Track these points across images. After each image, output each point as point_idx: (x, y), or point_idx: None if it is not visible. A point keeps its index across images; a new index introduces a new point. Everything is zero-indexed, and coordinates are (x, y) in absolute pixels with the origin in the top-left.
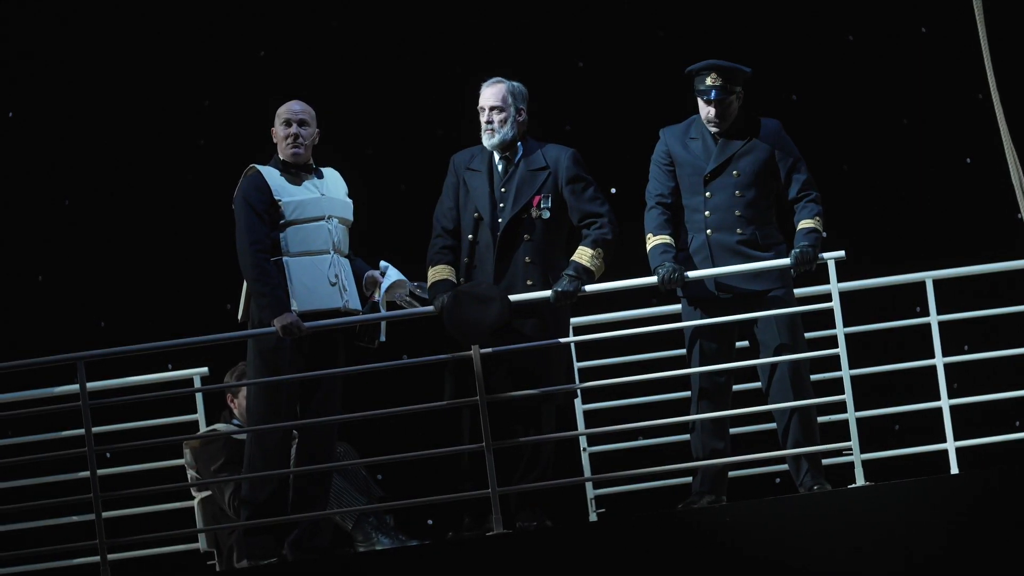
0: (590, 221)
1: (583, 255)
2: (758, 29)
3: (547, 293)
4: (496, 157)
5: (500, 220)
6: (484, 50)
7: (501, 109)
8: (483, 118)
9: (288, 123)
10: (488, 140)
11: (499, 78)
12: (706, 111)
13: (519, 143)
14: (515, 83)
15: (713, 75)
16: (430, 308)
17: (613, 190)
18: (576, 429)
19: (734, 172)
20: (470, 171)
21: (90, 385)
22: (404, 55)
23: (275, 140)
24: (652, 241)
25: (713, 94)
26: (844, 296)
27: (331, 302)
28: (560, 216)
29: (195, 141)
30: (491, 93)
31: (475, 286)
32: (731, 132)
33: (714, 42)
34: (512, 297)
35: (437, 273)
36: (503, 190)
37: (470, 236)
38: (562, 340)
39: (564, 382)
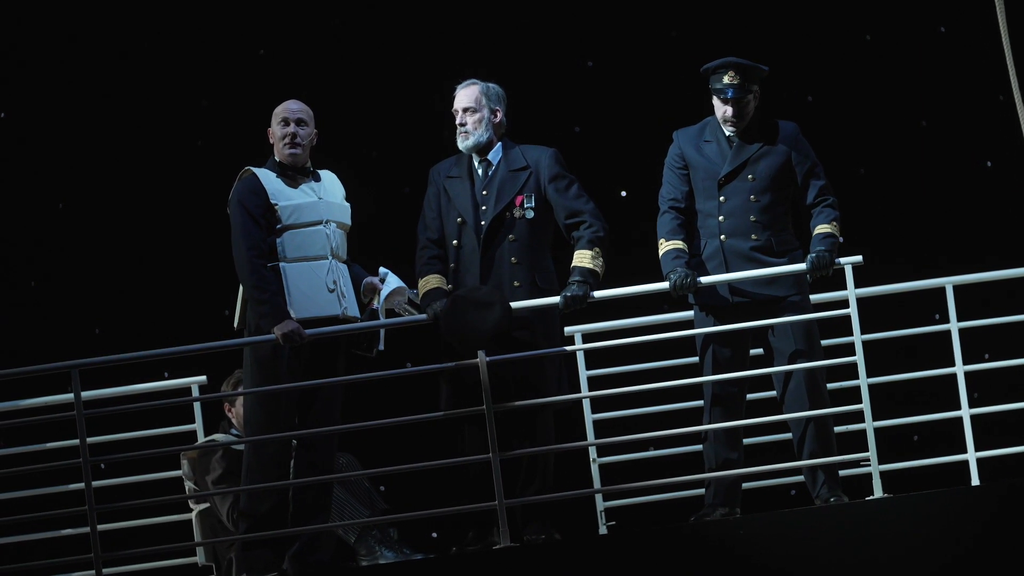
0: (577, 220)
1: (584, 258)
2: (773, 28)
3: (551, 300)
4: (475, 161)
5: (483, 222)
6: (491, 50)
7: (475, 111)
8: (457, 120)
9: (286, 122)
10: (462, 143)
11: (473, 80)
12: (723, 110)
13: (499, 144)
14: (491, 84)
15: (731, 73)
16: (425, 316)
17: (624, 193)
18: (585, 439)
19: (749, 176)
20: (450, 178)
21: (85, 394)
22: (409, 55)
23: (271, 141)
24: (664, 246)
25: (730, 93)
26: (862, 302)
27: (329, 309)
28: (544, 216)
29: (193, 142)
30: (464, 95)
31: (473, 290)
32: (746, 135)
33: (728, 42)
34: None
35: (427, 283)
36: (484, 192)
37: (455, 242)
38: (569, 348)
39: (556, 391)
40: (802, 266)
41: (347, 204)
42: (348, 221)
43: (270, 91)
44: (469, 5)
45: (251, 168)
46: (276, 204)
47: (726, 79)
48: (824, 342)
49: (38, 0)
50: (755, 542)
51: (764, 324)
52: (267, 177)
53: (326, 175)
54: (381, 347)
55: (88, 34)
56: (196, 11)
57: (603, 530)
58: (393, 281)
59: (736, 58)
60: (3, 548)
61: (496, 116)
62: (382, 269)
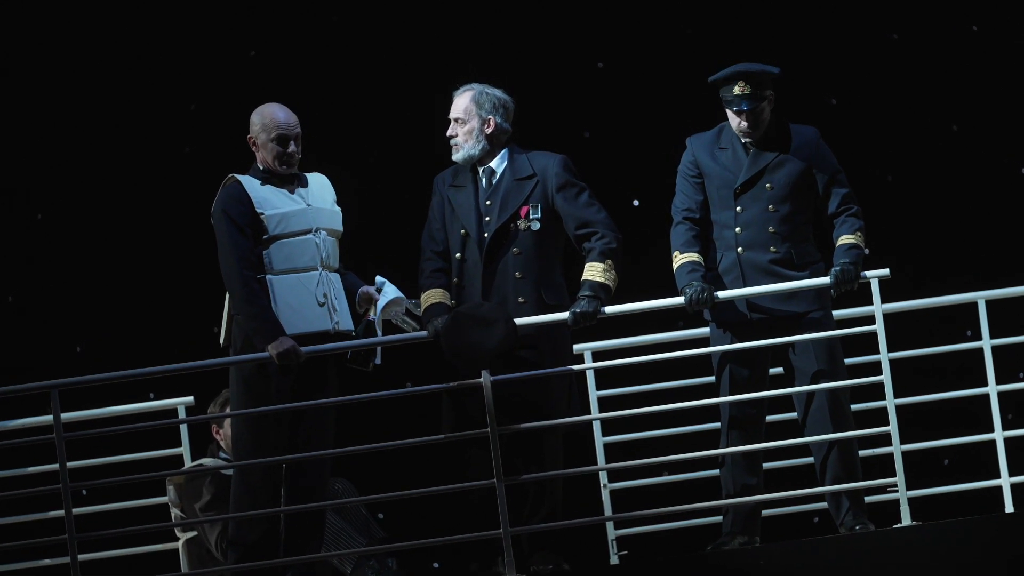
0: (589, 231)
1: (595, 271)
2: (794, 26)
3: (559, 316)
4: (480, 170)
5: (486, 234)
6: (494, 50)
7: (464, 121)
8: (448, 132)
9: (284, 140)
10: (454, 155)
11: (470, 85)
12: (737, 123)
13: (505, 150)
14: (489, 89)
15: (741, 83)
16: (425, 333)
17: (636, 203)
18: (595, 463)
19: (767, 185)
20: (454, 187)
21: (65, 416)
22: (410, 54)
23: (255, 148)
24: (679, 259)
25: (744, 105)
26: (888, 318)
27: (319, 324)
28: (552, 227)
29: (180, 149)
30: (455, 104)
31: (476, 307)
32: (764, 141)
33: (745, 40)
34: (517, 320)
35: (430, 297)
36: (488, 202)
37: (458, 255)
38: (578, 367)
39: (565, 412)
40: (825, 280)
41: (338, 209)
42: (339, 227)
43: (262, 94)
44: (472, 2)
45: (235, 175)
46: (262, 213)
47: (736, 90)
48: (848, 360)
49: (16, 1)
50: (775, 573)
51: (784, 341)
52: (251, 185)
53: (314, 178)
54: (378, 361)
55: (69, 35)
56: (183, 9)
57: (614, 560)
58: (391, 291)
59: (744, 66)
60: None
61: (489, 125)
62: (379, 278)
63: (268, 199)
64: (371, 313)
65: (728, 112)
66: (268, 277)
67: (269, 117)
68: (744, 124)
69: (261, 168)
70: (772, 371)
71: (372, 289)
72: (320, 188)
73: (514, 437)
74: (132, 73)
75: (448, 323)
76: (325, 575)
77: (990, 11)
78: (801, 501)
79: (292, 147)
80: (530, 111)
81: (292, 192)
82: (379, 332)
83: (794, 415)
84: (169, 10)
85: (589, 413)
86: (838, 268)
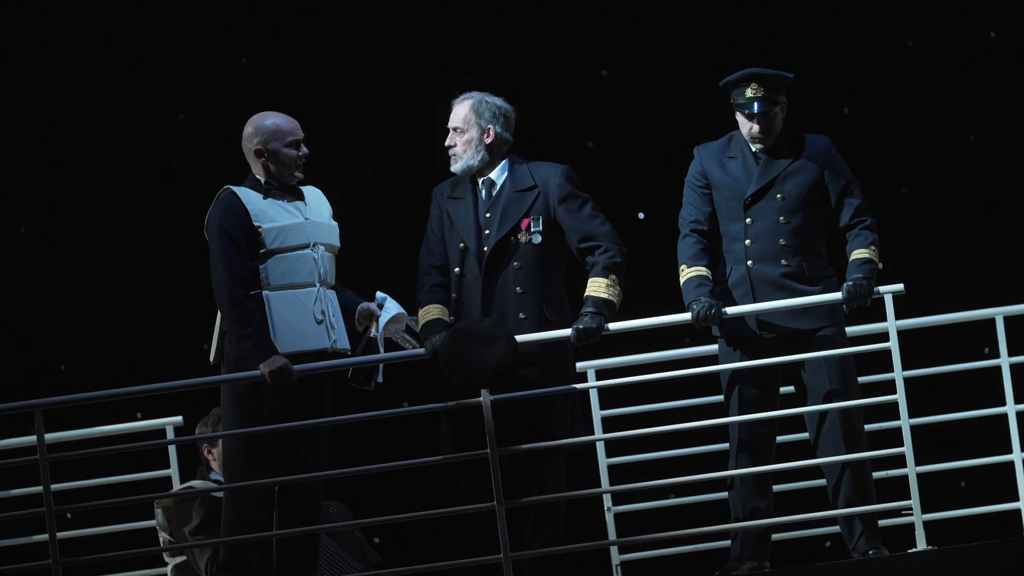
0: (592, 245)
1: (598, 287)
2: (805, 33)
3: (562, 333)
4: (479, 181)
5: (486, 248)
6: (494, 57)
7: (463, 131)
8: (446, 142)
9: (297, 144)
10: (452, 166)
11: (468, 94)
12: (748, 127)
13: (505, 161)
14: (489, 98)
15: (754, 85)
16: (423, 350)
17: (641, 215)
18: (599, 486)
19: (778, 196)
20: (452, 199)
21: (49, 436)
22: (408, 62)
23: (261, 158)
24: (686, 273)
25: (756, 107)
26: (903, 335)
27: (317, 342)
28: (554, 241)
29: (169, 160)
30: (453, 113)
31: (476, 323)
32: (775, 150)
33: (755, 47)
34: (518, 337)
35: (428, 313)
36: (488, 215)
37: (457, 269)
38: (582, 386)
39: (568, 433)
40: (837, 295)
41: (335, 223)
42: (336, 242)
43: (254, 103)
44: (471, 7)
45: (230, 187)
46: (260, 227)
47: (749, 92)
48: (862, 379)
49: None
50: None
51: (796, 359)
52: (248, 197)
53: (310, 192)
54: (380, 379)
55: (54, 44)
56: (172, 15)
57: None
58: (392, 307)
59: (758, 68)
60: None
61: (489, 135)
62: (379, 294)
63: (266, 212)
64: (372, 330)
65: (739, 117)
66: (264, 293)
67: (277, 125)
68: (756, 128)
69: (262, 180)
70: (783, 390)
71: (373, 305)
72: (317, 202)
73: (515, 458)
74: (119, 82)
75: (447, 340)
76: None
77: (1008, 17)
78: (813, 525)
79: (304, 149)
80: (532, 120)
81: (290, 205)
82: (381, 349)
83: (805, 435)
84: (158, 18)
85: (592, 433)
86: (851, 283)
